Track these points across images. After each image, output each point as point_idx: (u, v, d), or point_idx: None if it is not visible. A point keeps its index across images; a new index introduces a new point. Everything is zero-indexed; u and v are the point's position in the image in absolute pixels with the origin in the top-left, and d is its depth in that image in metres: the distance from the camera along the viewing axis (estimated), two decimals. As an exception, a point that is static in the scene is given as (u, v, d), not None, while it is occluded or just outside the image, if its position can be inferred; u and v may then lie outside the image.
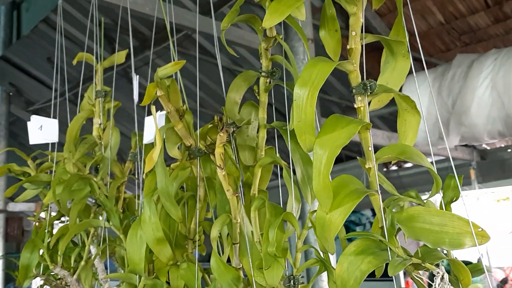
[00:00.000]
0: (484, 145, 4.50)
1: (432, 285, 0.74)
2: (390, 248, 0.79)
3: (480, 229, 0.77)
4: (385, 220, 0.81)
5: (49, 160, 1.48)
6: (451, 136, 2.35)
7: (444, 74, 2.34)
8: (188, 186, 1.15)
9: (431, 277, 0.78)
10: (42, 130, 1.43)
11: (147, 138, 1.18)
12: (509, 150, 4.57)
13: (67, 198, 1.29)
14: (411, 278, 0.82)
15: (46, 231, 1.35)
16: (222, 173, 0.96)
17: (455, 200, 0.88)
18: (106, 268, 1.33)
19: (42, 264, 1.35)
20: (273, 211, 0.93)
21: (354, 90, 0.83)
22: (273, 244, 0.87)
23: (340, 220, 0.79)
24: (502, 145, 4.82)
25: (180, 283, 1.11)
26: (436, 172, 0.83)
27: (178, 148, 1.12)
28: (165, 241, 1.04)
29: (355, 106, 0.84)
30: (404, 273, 4.22)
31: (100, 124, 1.40)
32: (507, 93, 2.08)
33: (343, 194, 0.79)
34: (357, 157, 0.88)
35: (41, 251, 1.34)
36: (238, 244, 1.03)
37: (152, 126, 1.16)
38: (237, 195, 0.97)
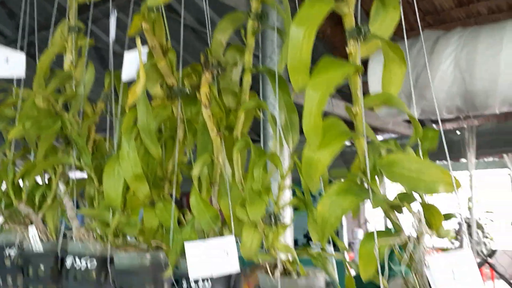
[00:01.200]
0: (433, 126, 4.69)
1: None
2: (371, 188, 0.82)
3: (453, 178, 0.82)
4: (368, 163, 0.84)
5: (13, 97, 1.41)
6: (411, 109, 2.43)
7: (410, 49, 2.40)
8: (167, 127, 1.14)
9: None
10: (8, 63, 1.36)
11: (126, 75, 1.15)
12: (458, 133, 4.79)
13: (35, 133, 1.24)
14: (388, 218, 0.86)
15: (9, 167, 1.30)
16: (207, 112, 0.96)
17: (432, 149, 0.92)
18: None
19: (3, 201, 1.31)
20: (258, 152, 0.94)
21: (347, 34, 0.84)
22: (258, 181, 0.88)
23: (327, 159, 0.81)
24: (451, 128, 5.05)
25: (154, 223, 1.11)
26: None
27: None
28: (143, 178, 1.03)
29: (347, 50, 0.85)
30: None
31: (71, 61, 1.34)
32: (468, 70, 2.17)
33: (331, 134, 0.81)
34: (345, 104, 0.90)
35: (3, 187, 1.29)
36: (217, 186, 1.04)
37: (131, 63, 1.12)
38: (220, 135, 0.98)
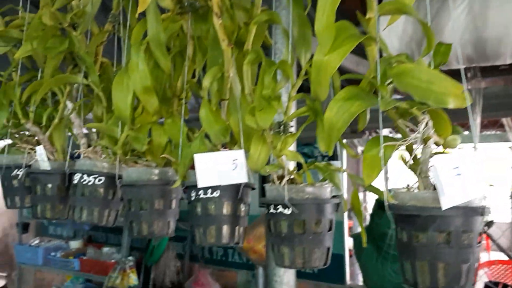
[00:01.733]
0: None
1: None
2: (381, 92, 0.83)
3: (463, 91, 0.83)
4: (379, 70, 0.85)
5: (20, 19, 1.39)
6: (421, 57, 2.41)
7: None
8: (176, 45, 1.14)
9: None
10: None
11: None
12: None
13: (42, 52, 1.24)
14: (395, 126, 0.87)
15: (16, 88, 1.30)
16: (218, 22, 0.96)
17: (443, 64, 0.92)
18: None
19: (11, 121, 1.32)
20: (268, 62, 0.94)
21: None
22: (268, 87, 0.89)
23: (337, 62, 0.82)
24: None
25: (162, 140, 1.12)
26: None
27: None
28: (153, 91, 1.04)
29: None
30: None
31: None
32: (482, 16, 2.15)
33: (343, 36, 0.82)
34: (356, 11, 0.90)
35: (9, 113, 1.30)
36: (227, 101, 1.05)
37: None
38: (231, 46, 0.98)
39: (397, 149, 0.82)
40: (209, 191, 0.99)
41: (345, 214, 4.03)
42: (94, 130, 1.24)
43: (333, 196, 0.96)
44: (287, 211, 0.91)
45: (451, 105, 0.82)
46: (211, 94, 1.05)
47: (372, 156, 0.84)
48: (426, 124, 0.81)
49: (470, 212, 0.74)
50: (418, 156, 0.82)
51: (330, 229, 0.93)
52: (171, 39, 1.12)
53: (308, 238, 0.90)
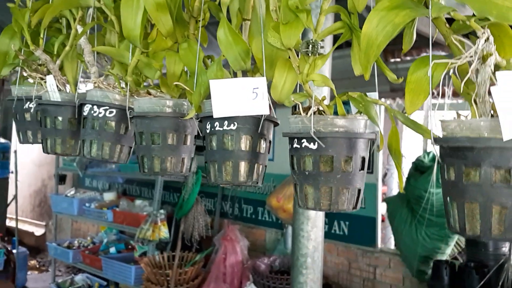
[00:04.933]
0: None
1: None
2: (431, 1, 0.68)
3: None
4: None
5: None
6: None
7: None
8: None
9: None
10: None
11: None
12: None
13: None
14: (448, 44, 0.72)
15: (27, 14, 1.20)
16: None
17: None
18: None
19: (23, 50, 1.23)
20: (296, -30, 0.80)
21: None
22: (295, -3, 0.75)
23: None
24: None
25: (177, 68, 1.01)
26: None
27: None
28: (166, 8, 0.91)
29: None
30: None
31: None
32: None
33: None
34: None
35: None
36: (249, 22, 0.92)
37: None
38: (254, -46, 0.84)
39: (449, 69, 0.68)
40: (226, 123, 0.87)
41: (379, 179, 3.89)
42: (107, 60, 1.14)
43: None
44: (313, 146, 0.79)
45: (516, 22, 0.67)
46: (231, 14, 0.92)
47: (418, 79, 0.70)
48: (487, 39, 0.66)
49: (538, 144, 0.60)
50: (474, 79, 0.67)
51: (362, 168, 0.81)
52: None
53: (336, 177, 0.78)
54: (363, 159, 0.81)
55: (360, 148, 0.80)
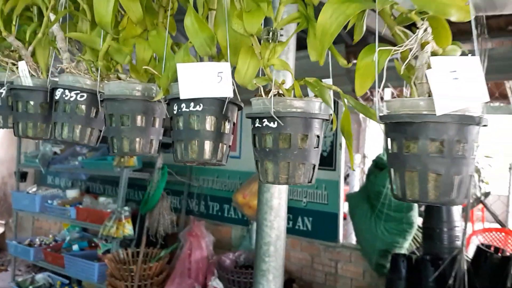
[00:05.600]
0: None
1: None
2: (378, -7, 0.76)
3: (466, 3, 0.76)
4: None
5: None
6: None
7: None
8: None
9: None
10: None
11: None
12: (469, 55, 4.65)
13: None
14: (393, 34, 0.81)
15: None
16: None
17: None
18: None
19: (-7, 36, 1.25)
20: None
21: None
22: (257, -14, 0.82)
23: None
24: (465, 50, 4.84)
25: (146, 55, 1.07)
26: None
27: None
28: (136, -4, 0.97)
29: None
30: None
31: None
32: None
33: None
34: None
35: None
36: (214, 11, 0.98)
37: None
38: None
39: (392, 55, 0.76)
40: (192, 104, 0.93)
41: (341, 176, 4.01)
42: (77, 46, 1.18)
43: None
44: (273, 125, 0.86)
45: (454, 17, 0.76)
46: (197, 3, 0.99)
47: (366, 64, 0.78)
48: (425, 30, 0.75)
49: (466, 119, 0.69)
50: (413, 64, 0.76)
51: (317, 146, 0.89)
52: None
53: (293, 153, 0.86)
54: (318, 137, 0.89)
55: (315, 128, 0.87)
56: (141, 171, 4.26)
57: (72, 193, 5.28)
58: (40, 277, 5.17)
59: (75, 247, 4.89)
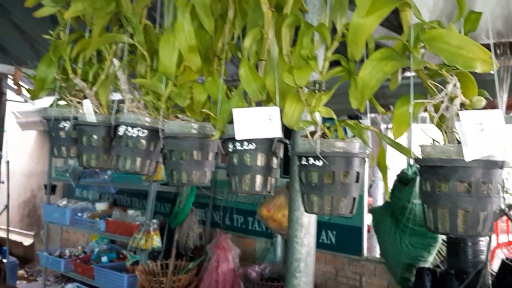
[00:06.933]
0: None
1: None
2: (412, 53, 0.89)
3: (491, 57, 0.88)
4: (412, 34, 0.91)
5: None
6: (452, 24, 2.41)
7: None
8: (218, 8, 1.20)
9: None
10: None
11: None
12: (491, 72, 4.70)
13: (91, 13, 1.32)
14: (425, 87, 0.93)
15: (65, 45, 1.39)
16: (261, -16, 1.02)
17: (472, 31, 0.97)
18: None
19: (60, 77, 1.41)
20: (307, 25, 1.01)
21: None
22: (306, 48, 0.96)
23: (374, 24, 0.88)
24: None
25: (202, 97, 1.20)
26: None
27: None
28: (197, 50, 1.11)
29: None
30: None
31: None
32: (514, -11, 2.14)
33: (380, 1, 0.88)
34: None
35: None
36: (264, 61, 1.12)
37: None
38: (272, 9, 1.04)
39: (425, 106, 0.89)
40: (245, 143, 1.07)
41: (366, 190, 4.10)
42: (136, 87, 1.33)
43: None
44: (318, 163, 0.99)
45: (479, 69, 0.88)
46: (249, 55, 1.12)
47: (402, 113, 0.90)
48: (454, 84, 0.87)
49: (490, 164, 0.81)
50: (445, 114, 0.88)
51: (357, 181, 1.01)
52: (214, 2, 1.19)
53: (336, 187, 0.98)
54: (358, 173, 1.01)
55: (355, 165, 1.00)
56: (168, 185, 4.40)
57: (101, 206, 5.46)
58: (69, 287, 5.34)
59: (104, 258, 5.06)
